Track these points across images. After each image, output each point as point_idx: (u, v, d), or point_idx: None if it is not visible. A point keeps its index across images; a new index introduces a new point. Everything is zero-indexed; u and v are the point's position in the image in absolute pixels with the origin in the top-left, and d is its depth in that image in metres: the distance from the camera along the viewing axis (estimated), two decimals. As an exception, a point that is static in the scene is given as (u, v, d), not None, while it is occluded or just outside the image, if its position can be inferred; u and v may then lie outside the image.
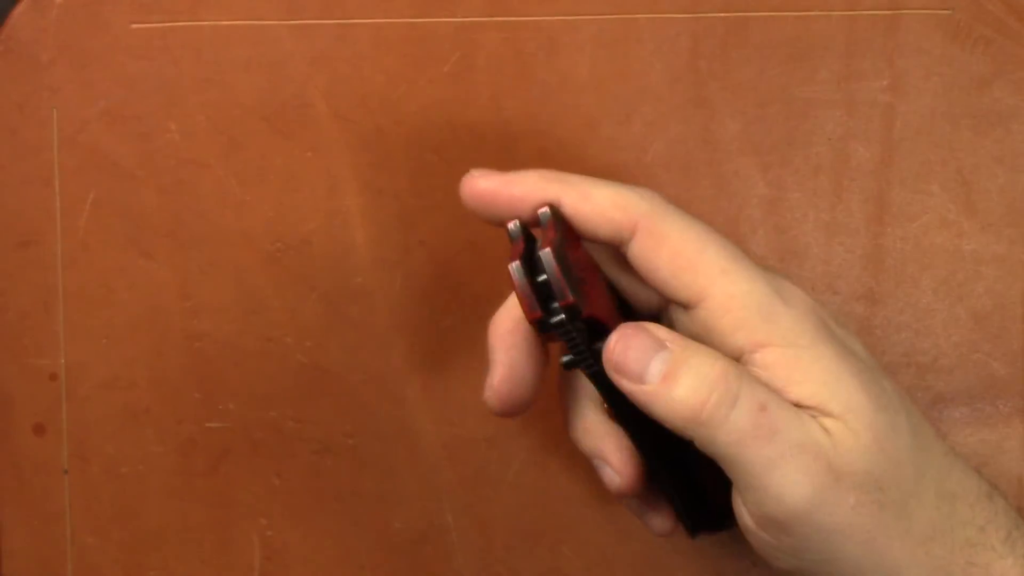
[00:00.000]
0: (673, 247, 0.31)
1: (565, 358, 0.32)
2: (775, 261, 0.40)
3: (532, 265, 0.31)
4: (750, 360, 0.31)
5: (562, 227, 0.32)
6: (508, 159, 0.40)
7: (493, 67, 0.40)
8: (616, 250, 0.33)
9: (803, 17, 0.40)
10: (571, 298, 0.30)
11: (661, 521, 0.36)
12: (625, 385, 0.31)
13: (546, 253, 0.30)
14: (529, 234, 0.32)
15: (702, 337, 0.32)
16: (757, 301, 0.31)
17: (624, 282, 0.34)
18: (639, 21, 0.40)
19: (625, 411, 0.32)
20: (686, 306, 0.32)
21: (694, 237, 0.31)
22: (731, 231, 0.40)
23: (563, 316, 0.30)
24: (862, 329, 0.41)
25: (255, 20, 0.40)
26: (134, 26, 0.40)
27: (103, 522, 0.40)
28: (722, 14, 0.40)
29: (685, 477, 0.34)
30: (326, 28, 0.40)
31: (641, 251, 0.32)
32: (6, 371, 0.40)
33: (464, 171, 0.40)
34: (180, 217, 0.40)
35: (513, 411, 0.33)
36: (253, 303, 0.40)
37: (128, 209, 0.40)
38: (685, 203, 0.40)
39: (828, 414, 0.30)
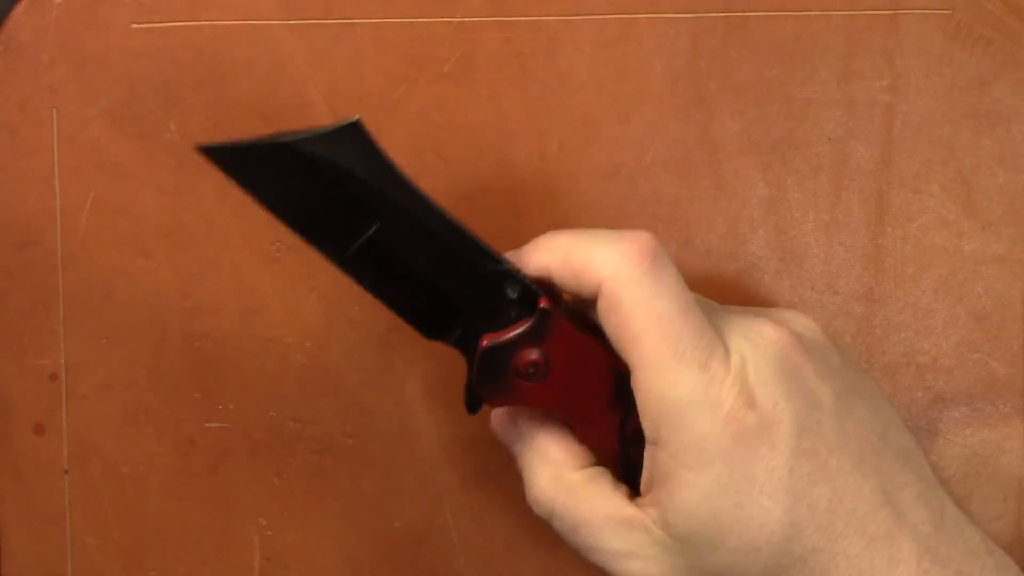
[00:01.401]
0: (621, 319, 0.32)
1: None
2: (775, 261, 0.40)
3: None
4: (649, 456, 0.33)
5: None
6: (508, 159, 0.40)
7: (493, 67, 0.40)
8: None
9: (803, 17, 0.40)
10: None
11: None
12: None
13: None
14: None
15: None
16: (668, 411, 0.31)
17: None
18: (639, 21, 0.40)
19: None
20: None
21: (642, 317, 0.31)
22: (731, 231, 0.40)
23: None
24: (862, 329, 0.41)
25: (255, 20, 0.40)
26: (134, 26, 0.40)
27: (103, 522, 0.40)
28: (722, 14, 0.40)
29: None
30: (326, 28, 0.40)
31: (600, 312, 0.33)
32: (6, 371, 0.40)
33: (464, 171, 0.40)
34: (180, 217, 0.40)
35: None
36: (253, 303, 0.40)
37: (128, 209, 0.40)
38: (685, 203, 0.40)
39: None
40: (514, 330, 0.34)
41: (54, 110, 0.40)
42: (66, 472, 0.40)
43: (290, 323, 0.40)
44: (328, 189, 0.34)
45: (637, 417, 0.33)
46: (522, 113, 0.40)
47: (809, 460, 0.31)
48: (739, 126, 0.40)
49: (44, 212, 0.40)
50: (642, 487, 0.33)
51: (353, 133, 0.34)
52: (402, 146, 0.40)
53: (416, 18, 0.40)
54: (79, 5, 0.39)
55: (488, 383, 0.35)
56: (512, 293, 0.34)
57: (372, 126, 0.40)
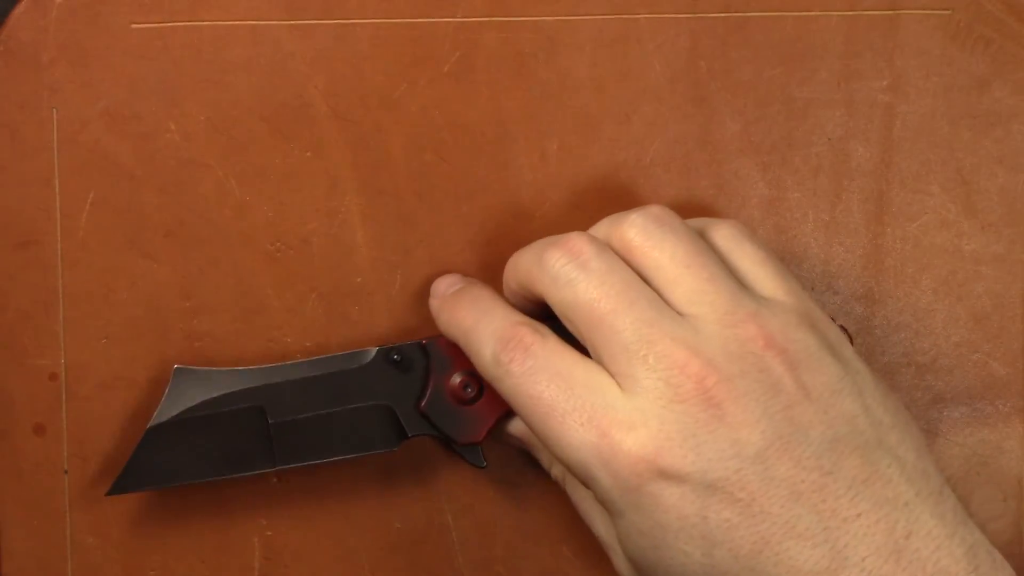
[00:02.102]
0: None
1: None
2: (775, 261, 0.40)
3: None
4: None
5: None
6: (508, 159, 0.40)
7: (493, 67, 0.40)
8: None
9: (803, 17, 0.40)
10: None
11: None
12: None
13: None
14: None
15: None
16: (572, 467, 0.33)
17: None
18: (639, 21, 0.40)
19: None
20: None
21: (519, 403, 0.34)
22: (731, 231, 0.40)
23: None
24: (862, 329, 0.41)
25: (255, 20, 0.40)
26: (134, 26, 0.40)
27: (103, 522, 0.40)
28: (722, 14, 0.40)
29: None
30: (326, 28, 0.40)
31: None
32: (6, 371, 0.40)
33: (464, 171, 0.40)
34: (180, 217, 0.40)
35: None
36: (253, 303, 0.40)
37: (128, 209, 0.40)
38: (685, 203, 0.40)
39: None
40: (425, 377, 0.38)
41: (54, 110, 0.40)
42: (66, 472, 0.40)
43: (290, 323, 0.40)
44: (211, 425, 0.39)
45: None
46: (522, 113, 0.40)
47: (726, 507, 0.31)
48: (739, 126, 0.40)
49: (44, 212, 0.40)
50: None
51: (182, 378, 0.39)
52: (402, 146, 0.40)
53: (416, 18, 0.40)
54: (79, 5, 0.39)
55: (456, 429, 0.38)
56: (398, 357, 0.38)
57: (372, 126, 0.40)
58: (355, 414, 0.38)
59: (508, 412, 0.38)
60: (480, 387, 0.38)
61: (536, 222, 0.40)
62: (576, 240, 0.34)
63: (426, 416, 0.38)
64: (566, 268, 0.34)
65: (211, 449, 0.39)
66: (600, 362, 0.33)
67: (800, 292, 0.35)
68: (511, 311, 0.36)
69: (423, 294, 0.40)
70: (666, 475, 0.31)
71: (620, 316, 0.32)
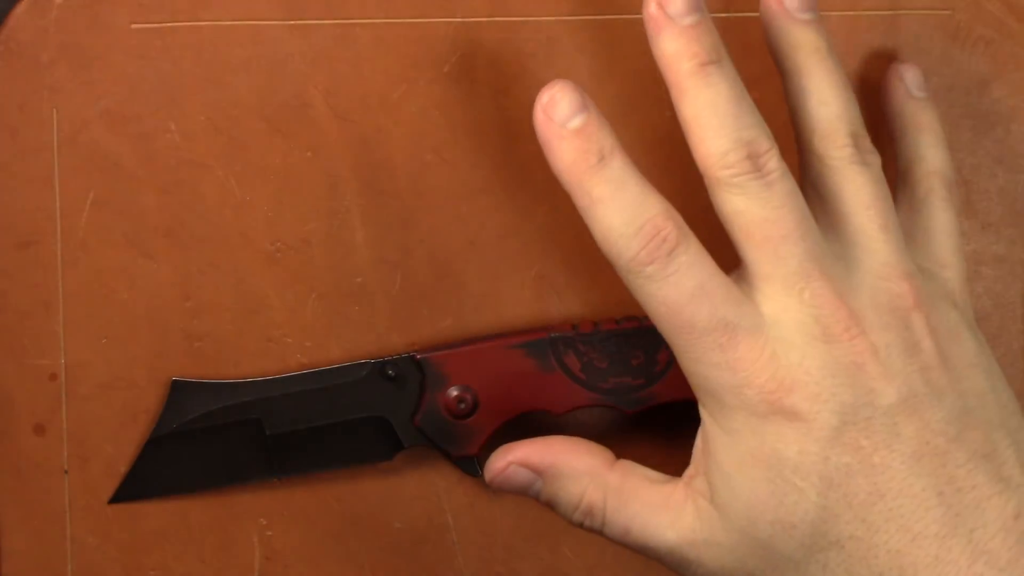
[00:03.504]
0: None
1: None
2: (775, 261, 0.40)
3: None
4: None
5: None
6: (508, 159, 0.40)
7: (493, 67, 0.40)
8: None
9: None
10: None
11: None
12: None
13: None
14: None
15: None
16: (703, 389, 0.33)
17: None
18: (639, 21, 0.40)
19: None
20: None
21: (656, 313, 0.33)
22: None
23: None
24: (862, 329, 0.41)
25: (255, 20, 0.40)
26: (134, 26, 0.40)
27: (103, 522, 0.40)
28: (722, 14, 0.40)
29: None
30: (326, 28, 0.40)
31: None
32: (6, 371, 0.40)
33: (464, 171, 0.40)
34: (180, 217, 0.40)
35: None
36: (253, 303, 0.40)
37: (128, 209, 0.40)
38: (685, 203, 0.40)
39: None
40: (420, 392, 0.38)
41: (54, 110, 0.40)
42: (66, 472, 0.40)
43: (290, 323, 0.40)
44: (209, 437, 0.39)
45: (596, 359, 0.38)
46: (522, 113, 0.40)
47: (849, 453, 0.31)
48: (739, 126, 0.40)
49: (44, 212, 0.40)
50: (693, 453, 0.35)
51: (180, 391, 0.39)
52: (402, 146, 0.40)
53: (416, 18, 0.40)
54: (79, 5, 0.39)
55: (451, 443, 0.38)
56: (392, 372, 0.39)
57: (372, 126, 0.40)
58: (351, 426, 0.39)
59: (503, 426, 0.38)
60: (475, 401, 0.38)
61: (536, 222, 0.40)
62: (766, 153, 0.32)
63: (421, 430, 0.38)
64: (748, 179, 0.32)
65: (209, 461, 0.39)
66: (751, 278, 0.33)
67: (961, 273, 0.36)
68: (649, 190, 0.33)
69: (423, 294, 0.40)
70: (796, 409, 0.31)
71: (790, 244, 0.32)
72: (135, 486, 0.40)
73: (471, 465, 0.39)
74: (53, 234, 0.40)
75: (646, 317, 0.38)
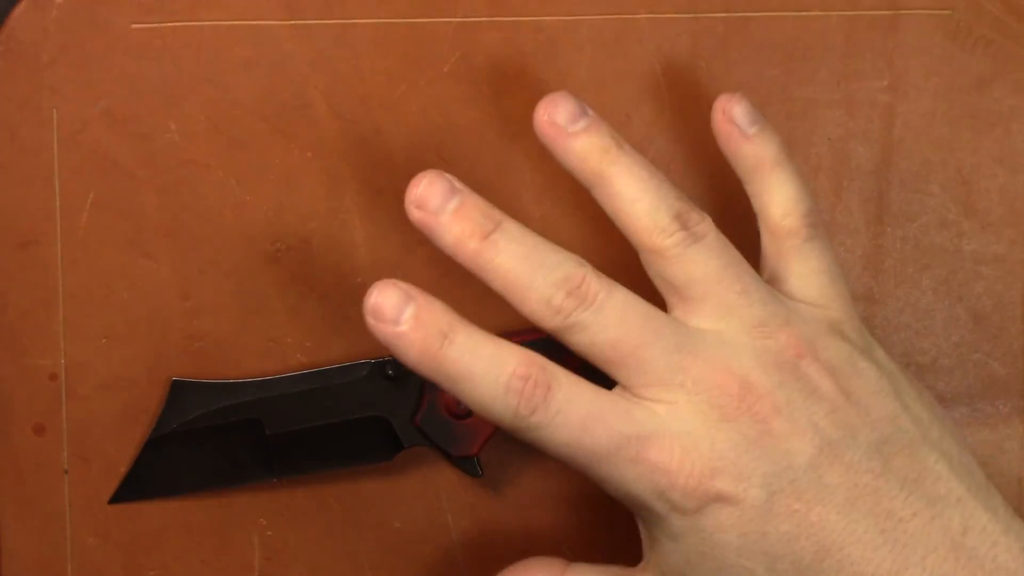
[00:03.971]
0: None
1: None
2: (775, 261, 0.40)
3: None
4: None
5: None
6: (508, 159, 0.40)
7: (493, 67, 0.40)
8: None
9: (803, 17, 0.40)
10: None
11: None
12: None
13: None
14: None
15: None
16: (627, 500, 0.33)
17: None
18: (639, 21, 0.40)
19: None
20: None
21: (552, 444, 0.32)
22: (733, 231, 0.40)
23: None
24: (862, 329, 0.41)
25: (255, 20, 0.40)
26: (134, 26, 0.40)
27: (103, 522, 0.40)
28: (722, 14, 0.40)
29: None
30: (326, 28, 0.40)
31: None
32: (6, 371, 0.40)
33: (464, 171, 0.40)
34: (180, 217, 0.40)
35: None
36: (253, 303, 0.40)
37: (128, 209, 0.40)
38: (699, 201, 0.40)
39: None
40: (420, 392, 0.38)
41: (54, 110, 0.40)
42: (66, 472, 0.40)
43: (290, 323, 0.40)
44: (209, 437, 0.39)
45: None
46: (522, 113, 0.40)
47: (784, 520, 0.31)
48: (739, 126, 0.40)
49: (44, 212, 0.40)
50: (643, 549, 0.34)
51: (180, 391, 0.39)
52: (402, 146, 0.40)
53: (416, 18, 0.40)
54: (79, 5, 0.39)
55: (451, 443, 0.38)
56: (392, 372, 0.39)
57: (372, 126, 0.40)
58: (351, 426, 0.39)
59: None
60: None
61: (536, 222, 0.40)
62: (583, 281, 0.32)
63: (421, 430, 0.38)
64: (578, 313, 0.32)
65: (209, 461, 0.39)
66: (633, 391, 0.32)
67: (844, 302, 0.35)
68: (499, 343, 0.32)
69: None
70: (723, 496, 0.31)
71: (647, 349, 0.32)
72: (135, 486, 0.40)
73: (471, 465, 0.39)
74: (53, 234, 0.40)
75: None
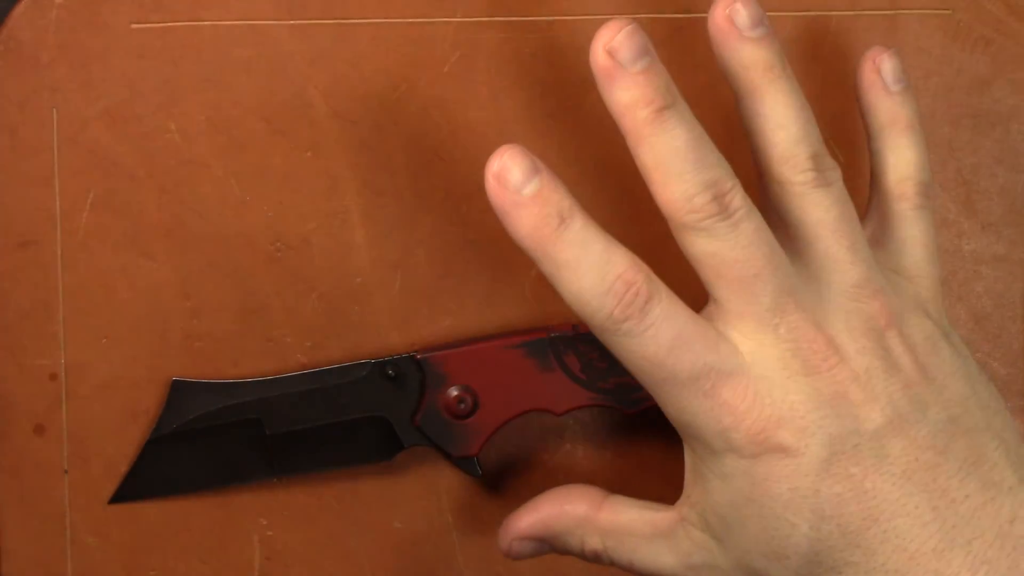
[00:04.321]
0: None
1: None
2: (775, 261, 0.40)
3: None
4: None
5: None
6: (508, 159, 0.40)
7: (493, 67, 0.40)
8: None
9: (803, 17, 0.40)
10: None
11: None
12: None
13: None
14: None
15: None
16: (688, 432, 0.33)
17: None
18: (639, 21, 0.40)
19: None
20: None
21: (633, 364, 0.32)
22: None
23: None
24: (862, 329, 0.41)
25: (255, 20, 0.40)
26: (134, 26, 0.40)
27: (103, 522, 0.40)
28: (722, 14, 0.40)
29: None
30: (326, 28, 0.40)
31: None
32: (6, 371, 0.40)
33: (464, 171, 0.40)
34: (180, 217, 0.40)
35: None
36: (253, 303, 0.40)
37: (128, 209, 0.40)
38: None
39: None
40: (420, 392, 0.38)
41: (54, 110, 0.40)
42: (66, 472, 0.40)
43: (290, 323, 0.40)
44: (209, 437, 0.39)
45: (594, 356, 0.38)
46: (522, 113, 0.40)
47: (839, 482, 0.31)
48: (739, 126, 0.40)
49: (44, 212, 0.40)
50: (684, 484, 0.34)
51: (180, 391, 0.39)
52: (402, 146, 0.40)
53: (416, 18, 0.40)
54: (79, 5, 0.39)
55: (451, 443, 0.38)
56: (392, 372, 0.39)
57: (372, 126, 0.40)
58: (351, 426, 0.39)
59: (504, 425, 0.38)
60: (475, 401, 0.38)
61: (536, 222, 0.40)
62: (730, 192, 0.32)
63: (421, 430, 0.38)
64: (714, 221, 0.31)
65: (210, 461, 0.39)
66: (725, 316, 0.32)
67: (934, 281, 0.35)
68: (614, 245, 0.32)
69: (423, 294, 0.40)
70: (784, 445, 0.31)
71: (762, 282, 0.32)
72: (135, 486, 0.40)
73: (471, 465, 0.39)
74: (53, 234, 0.40)
75: None
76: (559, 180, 0.32)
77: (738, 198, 0.32)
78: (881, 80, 0.36)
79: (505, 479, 0.41)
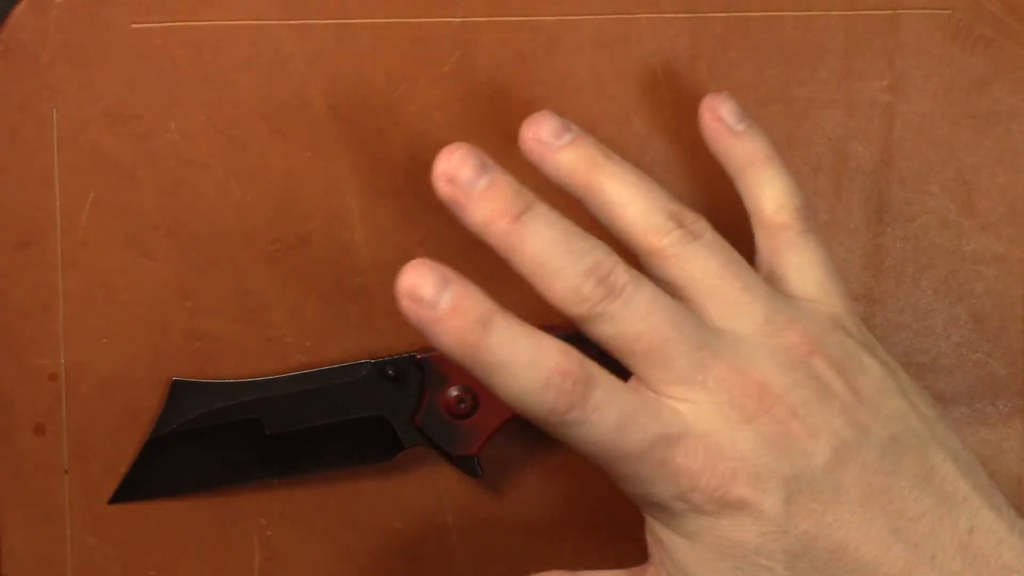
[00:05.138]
0: None
1: None
2: (775, 261, 0.40)
3: None
4: None
5: None
6: (508, 159, 0.40)
7: (493, 67, 0.40)
8: None
9: (803, 17, 0.40)
10: None
11: None
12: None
13: None
14: None
15: None
16: (640, 502, 0.33)
17: None
18: (639, 21, 0.40)
19: None
20: None
21: (581, 448, 0.32)
22: (732, 232, 0.40)
23: None
24: (862, 329, 0.41)
25: (255, 20, 0.40)
26: (134, 26, 0.40)
27: (103, 522, 0.40)
28: (722, 14, 0.40)
29: None
30: (326, 28, 0.40)
31: None
32: (6, 371, 0.40)
33: (464, 171, 0.40)
34: (180, 217, 0.40)
35: None
36: (253, 303, 0.40)
37: (128, 209, 0.40)
38: (684, 203, 0.40)
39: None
40: (420, 392, 0.38)
41: (54, 110, 0.40)
42: (66, 472, 0.40)
43: (290, 323, 0.40)
44: (209, 437, 0.39)
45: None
46: (522, 113, 0.40)
47: (803, 520, 0.31)
48: (739, 126, 0.40)
49: (44, 212, 0.40)
50: (649, 550, 0.34)
51: (180, 390, 0.40)
52: (402, 146, 0.40)
53: (416, 18, 0.40)
54: (79, 5, 0.39)
55: (451, 443, 0.39)
56: (392, 372, 0.39)
57: (372, 126, 0.40)
58: (351, 426, 0.39)
59: (504, 425, 0.38)
60: (475, 401, 0.38)
61: (536, 222, 0.40)
62: (612, 271, 0.31)
63: (421, 430, 0.38)
64: (606, 304, 0.31)
65: (209, 461, 0.39)
66: (654, 387, 0.32)
67: (843, 296, 0.35)
68: (540, 336, 0.31)
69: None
70: (744, 497, 0.31)
71: (674, 344, 0.31)
72: (135, 486, 0.40)
73: (471, 465, 0.39)
74: (53, 234, 0.40)
75: None
76: (471, 285, 0.31)
77: (621, 273, 0.31)
78: (724, 126, 0.36)
79: (505, 479, 0.41)
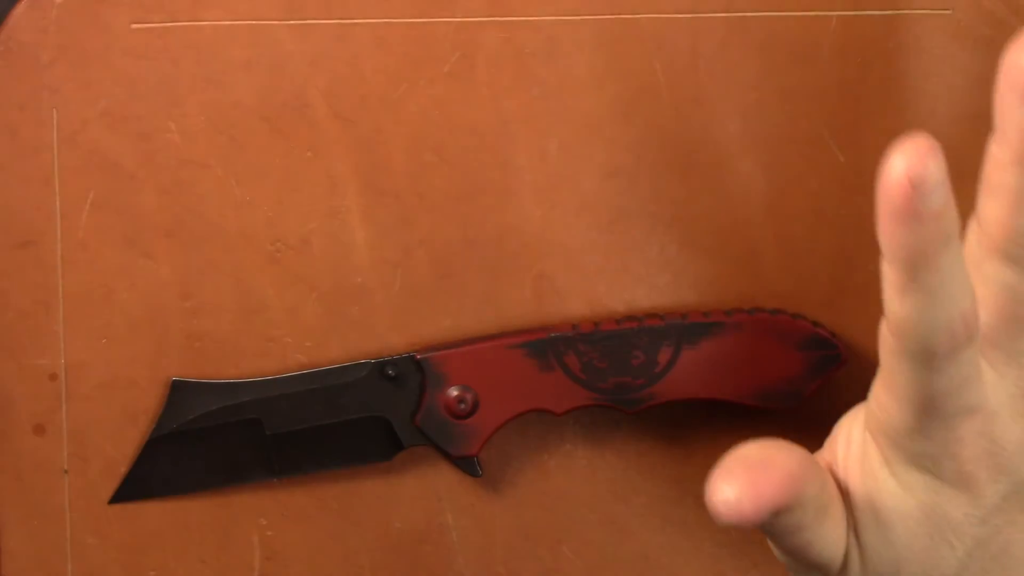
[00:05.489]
0: None
1: None
2: (776, 261, 0.40)
3: None
4: None
5: None
6: (508, 159, 0.40)
7: (493, 67, 0.40)
8: None
9: (803, 17, 0.40)
10: None
11: None
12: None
13: None
14: None
15: None
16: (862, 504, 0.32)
17: None
18: (639, 21, 0.40)
19: None
20: None
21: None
22: (731, 231, 0.40)
23: None
24: (862, 329, 0.41)
25: (255, 20, 0.40)
26: (134, 26, 0.40)
27: (103, 522, 0.40)
28: (722, 14, 0.40)
29: None
30: (326, 28, 0.40)
31: None
32: (6, 371, 0.40)
33: (464, 171, 0.40)
34: (180, 217, 0.40)
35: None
36: (253, 303, 0.40)
37: (128, 209, 0.40)
38: (685, 203, 0.40)
39: None
40: (420, 392, 0.38)
41: (54, 110, 0.40)
42: (66, 472, 0.40)
43: (290, 323, 0.40)
44: (209, 437, 0.40)
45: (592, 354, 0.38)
46: (522, 113, 0.40)
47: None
48: (739, 126, 0.40)
49: (44, 212, 0.40)
50: (834, 452, 0.33)
51: (180, 391, 0.40)
52: (402, 146, 0.40)
53: (416, 18, 0.40)
54: (79, 5, 0.39)
55: (451, 443, 0.39)
56: (392, 372, 0.39)
57: (372, 126, 0.40)
58: (351, 426, 0.39)
59: (504, 425, 0.38)
60: (475, 401, 0.38)
61: (536, 223, 0.40)
62: None
63: (421, 430, 0.38)
64: None
65: (209, 461, 0.39)
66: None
67: None
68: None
69: (423, 294, 0.40)
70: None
71: None
72: (135, 486, 0.40)
73: (471, 465, 0.39)
74: (53, 234, 0.40)
75: (646, 317, 0.38)
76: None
77: None
78: None
79: (505, 479, 0.41)
